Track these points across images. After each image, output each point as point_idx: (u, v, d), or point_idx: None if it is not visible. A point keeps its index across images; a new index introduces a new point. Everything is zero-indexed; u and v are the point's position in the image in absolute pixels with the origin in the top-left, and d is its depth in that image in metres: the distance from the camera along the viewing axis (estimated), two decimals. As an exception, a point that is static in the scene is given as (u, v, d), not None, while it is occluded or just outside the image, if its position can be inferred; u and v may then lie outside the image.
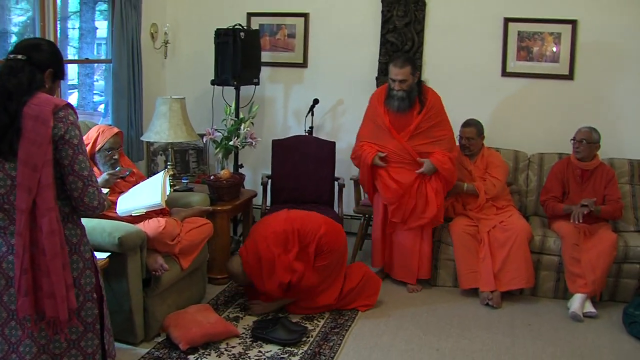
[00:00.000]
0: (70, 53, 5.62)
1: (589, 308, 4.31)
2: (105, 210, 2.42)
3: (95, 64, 5.84)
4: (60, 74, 2.39)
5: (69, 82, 5.92)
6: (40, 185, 2.15)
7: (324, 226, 4.15)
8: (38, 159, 2.14)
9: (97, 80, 5.99)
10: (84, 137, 3.79)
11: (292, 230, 4.08)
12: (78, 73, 5.88)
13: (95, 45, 5.40)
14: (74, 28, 5.60)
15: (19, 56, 2.28)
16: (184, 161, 5.86)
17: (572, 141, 4.68)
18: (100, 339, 2.42)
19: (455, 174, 4.63)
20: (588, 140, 4.60)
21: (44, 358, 2.29)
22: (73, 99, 5.77)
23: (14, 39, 4.58)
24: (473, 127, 4.82)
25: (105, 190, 3.11)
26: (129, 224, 3.58)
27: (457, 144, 4.82)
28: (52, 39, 4.62)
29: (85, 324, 2.36)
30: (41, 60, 2.31)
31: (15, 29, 4.59)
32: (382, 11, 5.54)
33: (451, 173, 4.56)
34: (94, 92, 5.97)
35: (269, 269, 4.04)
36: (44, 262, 2.16)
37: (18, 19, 4.67)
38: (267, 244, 4.06)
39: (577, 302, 4.30)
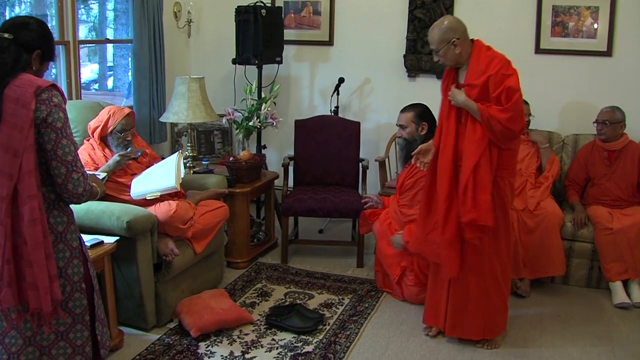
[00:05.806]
0: (109, 34, 5.59)
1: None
2: (93, 198, 2.31)
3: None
4: (49, 56, 2.26)
5: (108, 64, 5.90)
6: (22, 172, 2.05)
7: None
8: (19, 144, 2.04)
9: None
10: (94, 120, 3.75)
11: None
12: (113, 54, 5.82)
13: (130, 27, 5.36)
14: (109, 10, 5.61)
15: (5, 35, 2.15)
16: (209, 142, 5.77)
17: (595, 123, 4.50)
18: (90, 331, 2.33)
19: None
20: (611, 121, 4.41)
21: (31, 350, 2.21)
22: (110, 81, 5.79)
23: (54, 22, 4.52)
24: None
25: (102, 176, 3.02)
26: (139, 207, 3.50)
27: None
28: (70, 21, 4.56)
29: (74, 315, 2.27)
30: (28, 40, 2.18)
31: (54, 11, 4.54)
32: (410, -14, 5.31)
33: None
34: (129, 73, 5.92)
35: None
36: (26, 251, 2.07)
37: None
38: None
39: (620, 291, 4.11)
